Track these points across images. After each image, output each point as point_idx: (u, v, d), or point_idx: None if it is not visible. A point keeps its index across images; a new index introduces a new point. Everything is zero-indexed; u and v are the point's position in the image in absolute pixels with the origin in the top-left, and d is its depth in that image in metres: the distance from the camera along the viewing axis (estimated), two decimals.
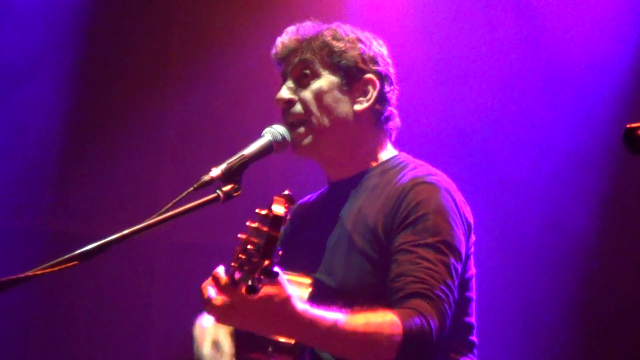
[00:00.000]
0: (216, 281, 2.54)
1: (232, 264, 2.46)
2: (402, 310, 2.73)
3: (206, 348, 3.00)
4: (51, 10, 5.52)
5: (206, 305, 2.59)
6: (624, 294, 4.79)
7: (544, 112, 4.99)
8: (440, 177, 3.00)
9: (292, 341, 2.74)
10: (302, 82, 3.09)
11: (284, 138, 3.02)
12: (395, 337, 2.67)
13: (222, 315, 2.57)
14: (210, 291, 2.57)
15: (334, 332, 2.61)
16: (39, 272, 2.53)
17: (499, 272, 4.89)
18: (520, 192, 5.00)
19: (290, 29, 3.16)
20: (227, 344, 2.97)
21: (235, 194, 2.81)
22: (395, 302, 2.77)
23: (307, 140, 3.06)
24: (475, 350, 3.03)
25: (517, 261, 4.97)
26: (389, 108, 3.14)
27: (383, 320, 2.68)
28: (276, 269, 2.39)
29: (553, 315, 4.91)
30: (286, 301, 2.53)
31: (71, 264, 2.56)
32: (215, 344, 2.99)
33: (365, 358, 2.72)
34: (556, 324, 4.90)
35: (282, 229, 2.41)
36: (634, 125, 2.07)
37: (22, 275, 2.51)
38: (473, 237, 3.02)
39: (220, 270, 2.57)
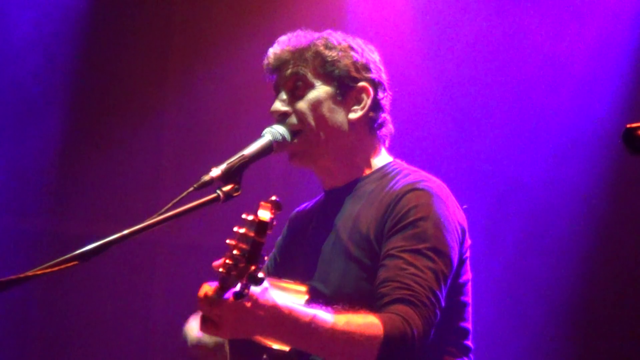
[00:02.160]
0: (205, 295, 2.55)
1: (220, 269, 2.47)
2: (385, 315, 2.73)
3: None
4: (52, 5, 5.53)
5: (202, 323, 2.61)
6: (623, 301, 4.79)
7: (544, 113, 4.99)
8: (433, 183, 2.99)
9: (287, 348, 2.75)
10: (296, 94, 3.08)
11: (284, 138, 3.02)
12: (375, 340, 2.68)
13: (217, 327, 2.58)
14: (202, 306, 2.57)
15: (312, 327, 2.63)
16: (39, 272, 2.53)
17: (497, 277, 4.89)
18: (519, 195, 5.00)
19: (282, 39, 3.15)
20: None
21: (235, 194, 2.81)
22: (380, 307, 2.78)
23: (302, 151, 3.06)
24: (471, 355, 3.02)
25: (515, 266, 4.97)
26: (383, 115, 3.14)
27: (364, 322, 2.69)
28: (261, 274, 2.40)
29: (551, 321, 4.90)
30: (267, 298, 2.55)
31: (71, 264, 2.56)
32: None
33: (343, 358, 2.72)
34: (554, 330, 4.89)
35: (269, 234, 2.42)
36: (634, 125, 2.07)
37: (22, 275, 2.51)
38: (468, 242, 3.01)
39: (207, 286, 2.58)
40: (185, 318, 3.18)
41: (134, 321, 5.70)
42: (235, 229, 2.42)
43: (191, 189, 2.78)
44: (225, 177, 2.81)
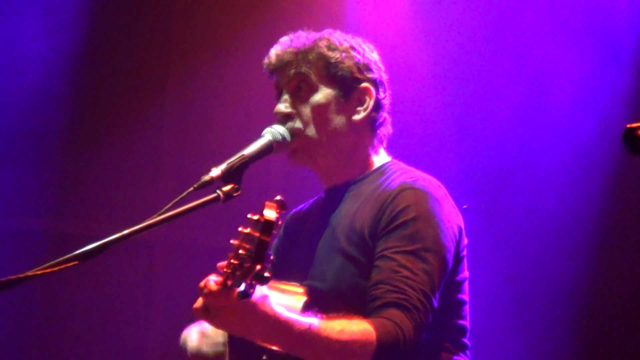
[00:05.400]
0: (209, 287, 2.55)
1: (225, 269, 2.47)
2: (377, 320, 2.74)
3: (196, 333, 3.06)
4: (53, 4, 5.53)
5: (198, 309, 2.61)
6: (625, 300, 4.78)
7: (544, 113, 4.99)
8: (428, 183, 2.98)
9: None
10: (299, 95, 3.07)
11: (284, 138, 3.01)
12: (368, 346, 2.69)
13: (212, 317, 2.59)
14: (203, 295, 2.57)
15: (307, 336, 2.64)
16: (39, 272, 2.53)
17: (497, 275, 4.89)
18: (519, 194, 5.00)
19: (284, 39, 3.14)
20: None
21: (235, 194, 2.81)
22: (372, 310, 2.79)
23: (303, 152, 3.06)
24: (468, 352, 3.03)
25: (515, 264, 4.97)
26: (383, 114, 3.15)
27: (358, 328, 2.70)
28: (267, 273, 2.40)
29: (552, 319, 4.90)
30: (266, 307, 2.57)
31: (71, 264, 2.55)
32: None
33: None
34: (555, 328, 4.89)
35: (275, 233, 2.42)
36: (634, 125, 2.07)
37: (22, 275, 2.51)
38: (465, 241, 3.01)
39: (212, 277, 2.57)
40: (184, 318, 3.18)
41: (134, 321, 5.70)
42: (240, 229, 2.42)
43: (191, 189, 2.78)
44: (225, 177, 2.81)
